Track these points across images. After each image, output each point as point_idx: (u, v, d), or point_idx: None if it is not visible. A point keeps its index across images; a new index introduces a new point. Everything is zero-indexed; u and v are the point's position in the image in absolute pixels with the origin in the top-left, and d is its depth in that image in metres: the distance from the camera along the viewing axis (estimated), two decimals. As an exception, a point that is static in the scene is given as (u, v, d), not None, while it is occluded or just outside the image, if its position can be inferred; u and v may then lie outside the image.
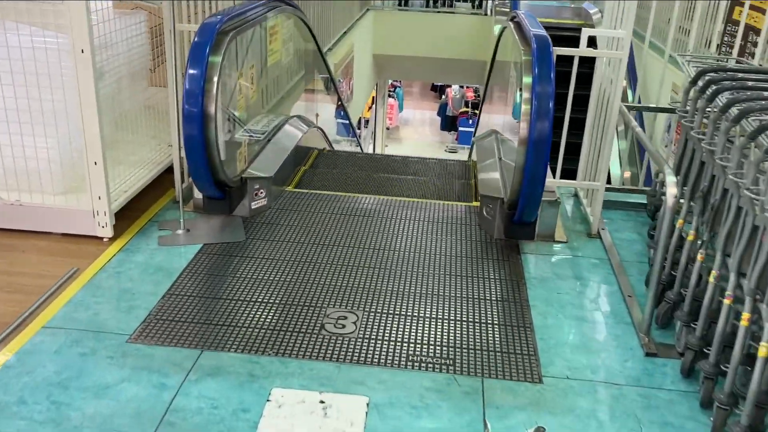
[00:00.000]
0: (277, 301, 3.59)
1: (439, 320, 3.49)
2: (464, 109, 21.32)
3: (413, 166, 6.39)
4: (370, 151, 17.79)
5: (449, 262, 4.10)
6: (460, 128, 20.90)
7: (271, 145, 5.15)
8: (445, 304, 3.65)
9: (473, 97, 21.37)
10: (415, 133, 22.77)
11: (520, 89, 4.39)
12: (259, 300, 3.59)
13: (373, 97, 17.81)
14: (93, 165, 4.00)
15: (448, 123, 21.91)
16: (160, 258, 4.00)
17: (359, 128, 15.62)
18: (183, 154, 4.22)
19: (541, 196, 3.82)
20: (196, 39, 3.94)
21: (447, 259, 4.15)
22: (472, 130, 20.41)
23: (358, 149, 11.79)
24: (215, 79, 3.97)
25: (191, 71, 3.90)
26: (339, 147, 10.92)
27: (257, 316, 3.45)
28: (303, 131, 5.87)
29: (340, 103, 9.54)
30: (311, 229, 4.47)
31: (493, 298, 3.73)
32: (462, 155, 19.75)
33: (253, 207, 4.58)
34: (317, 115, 7.11)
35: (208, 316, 3.44)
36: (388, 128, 20.64)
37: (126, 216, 4.41)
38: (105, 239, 4.16)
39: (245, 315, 3.45)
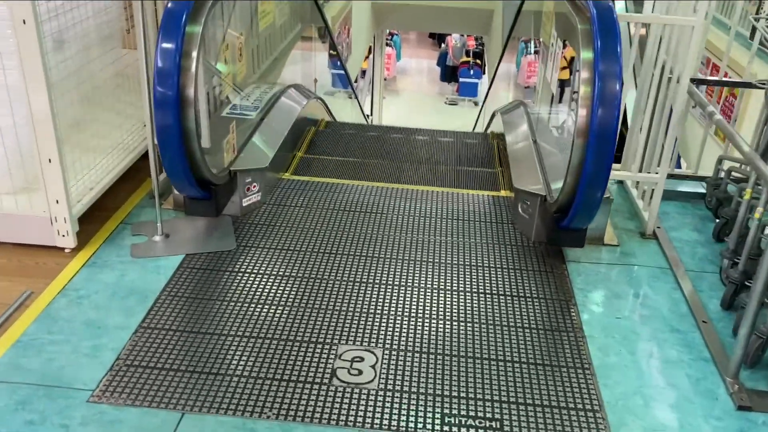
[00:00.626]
0: (276, 336, 2.91)
1: (476, 361, 2.83)
2: (465, 59, 20.26)
3: (426, 143, 5.62)
4: (368, 104, 16.88)
5: (481, 276, 3.41)
6: (461, 79, 19.93)
7: (265, 126, 4.38)
8: (482, 337, 2.98)
9: (474, 46, 20.31)
10: (414, 84, 21.81)
11: (565, 63, 3.63)
12: (254, 335, 2.91)
13: (370, 47, 16.80)
14: (47, 163, 3.25)
15: (448, 73, 20.89)
16: (133, 275, 3.29)
17: (356, 81, 14.74)
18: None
19: (602, 200, 3.11)
20: (169, 5, 3.14)
21: (478, 271, 3.46)
22: (474, 80, 19.50)
23: (354, 101, 10.92)
24: (194, 54, 3.18)
25: (164, 45, 3.11)
26: (334, 99, 10.09)
27: (252, 358, 2.78)
28: (301, 104, 5.09)
29: (335, 53, 8.65)
30: (313, 231, 3.76)
31: (540, 327, 3.06)
32: (462, 108, 18.90)
33: (244, 204, 3.86)
34: (315, 80, 6.30)
35: (191, 359, 2.76)
36: (385, 79, 19.66)
37: (93, 217, 3.68)
38: (67, 250, 3.44)
39: (237, 357, 2.78)
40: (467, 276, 3.41)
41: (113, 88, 4.73)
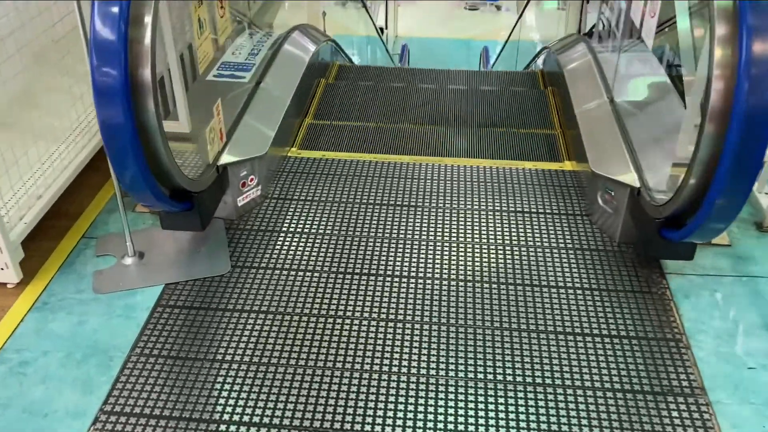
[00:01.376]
0: (286, 423, 2.12)
1: (565, 453, 2.03)
2: (487, -41, 18.47)
3: (463, 91, 4.61)
4: (382, 13, 15.47)
5: (551, 306, 2.56)
6: (482, -19, 18.26)
7: (263, 91, 3.44)
8: (567, 409, 2.16)
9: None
10: (431, -11, 20.11)
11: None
12: (256, 420, 2.12)
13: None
14: (-37, 179, 2.40)
15: (468, -24, 19.15)
16: (95, 322, 2.49)
17: (370, -6, 13.32)
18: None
19: (740, 210, 2.20)
20: (105, -52, 2.16)
21: (546, 297, 2.60)
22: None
23: (367, 16, 9.69)
24: (148, 18, 2.23)
25: (103, 9, 2.15)
26: (345, 11, 8.92)
27: (254, 462, 2.01)
28: (309, 53, 4.09)
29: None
30: (327, 238, 2.90)
31: (645, 389, 2.23)
32: (484, 14, 17.39)
33: (240, 205, 3.00)
34: (324, 13, 5.22)
35: (170, 467, 2.00)
36: (400, -15, 18.06)
37: (46, 229, 2.87)
38: (9, 285, 2.64)
39: (233, 462, 2.00)
40: (533, 306, 2.55)
41: (75, 43, 3.77)
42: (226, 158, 2.88)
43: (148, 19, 2.24)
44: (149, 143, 2.32)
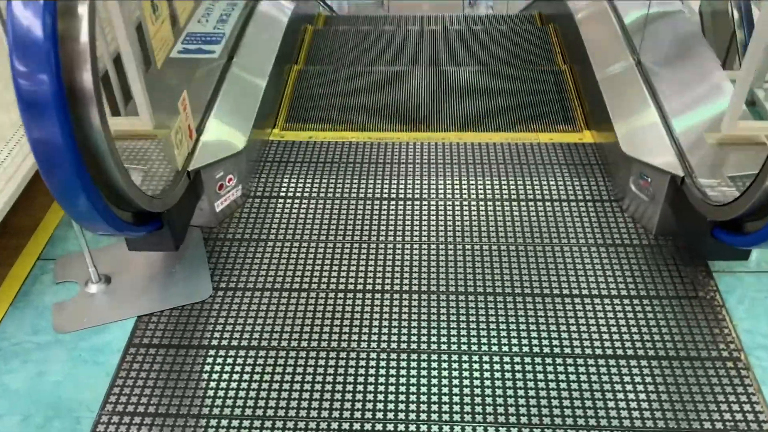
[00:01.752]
0: (289, 493, 1.81)
1: None
2: None
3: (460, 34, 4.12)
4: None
5: (587, 317, 2.22)
6: None
7: (237, 66, 2.96)
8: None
9: None
10: None
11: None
12: (254, 493, 1.81)
13: None
14: None
15: None
16: (58, 372, 2.13)
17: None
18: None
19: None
20: None
21: (582, 304, 2.26)
22: None
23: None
24: (82, 9, 1.77)
25: None
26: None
27: None
28: (287, 14, 3.57)
29: None
30: (325, 245, 2.51)
31: (706, 426, 1.92)
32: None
33: (219, 210, 2.59)
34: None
35: None
36: None
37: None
38: (-46, 328, 2.27)
39: None
40: (565, 323, 2.21)
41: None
42: (198, 160, 2.45)
43: (81, 9, 1.77)
44: (98, 165, 1.89)
